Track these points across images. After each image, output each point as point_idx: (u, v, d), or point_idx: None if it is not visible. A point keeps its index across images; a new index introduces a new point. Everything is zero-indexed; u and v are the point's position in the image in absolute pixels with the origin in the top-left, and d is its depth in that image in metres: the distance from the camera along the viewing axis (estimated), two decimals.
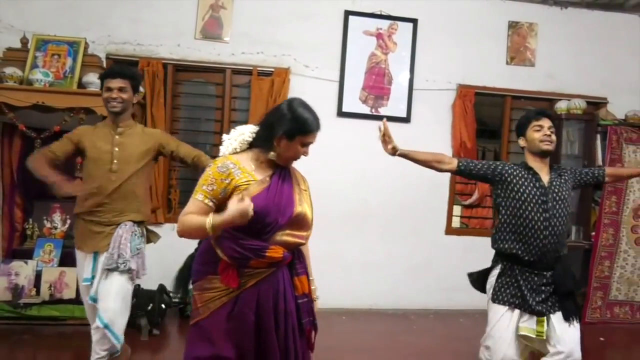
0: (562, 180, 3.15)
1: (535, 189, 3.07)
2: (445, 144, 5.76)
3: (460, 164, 3.20)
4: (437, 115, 5.78)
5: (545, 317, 3.00)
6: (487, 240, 6.30)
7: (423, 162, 3.23)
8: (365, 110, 5.66)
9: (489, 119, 6.31)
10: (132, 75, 3.29)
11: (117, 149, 3.19)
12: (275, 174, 2.32)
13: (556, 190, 3.09)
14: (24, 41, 4.66)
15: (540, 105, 6.07)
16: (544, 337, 2.99)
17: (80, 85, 4.50)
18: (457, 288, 5.73)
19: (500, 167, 3.18)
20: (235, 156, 2.32)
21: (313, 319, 2.39)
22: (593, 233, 5.77)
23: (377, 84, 5.68)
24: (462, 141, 5.74)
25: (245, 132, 2.36)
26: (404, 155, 3.17)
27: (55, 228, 4.69)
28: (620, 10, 6.13)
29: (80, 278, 3.32)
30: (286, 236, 2.28)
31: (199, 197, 2.22)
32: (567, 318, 3.00)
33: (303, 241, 2.39)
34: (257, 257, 2.20)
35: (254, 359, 2.26)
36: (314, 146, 4.67)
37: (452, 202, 5.90)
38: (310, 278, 2.46)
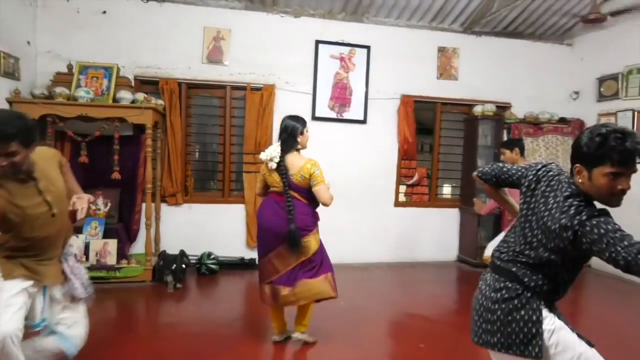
0: None
1: None
2: (392, 140, 5.83)
3: None
4: (386, 118, 5.81)
5: None
6: (425, 210, 6.47)
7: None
8: (333, 115, 5.67)
9: (425, 120, 6.36)
10: (12, 134, 1.91)
11: (44, 197, 2.13)
12: None
13: None
14: (70, 67, 4.57)
15: (461, 109, 6.18)
16: None
17: (115, 100, 4.43)
18: (404, 246, 5.89)
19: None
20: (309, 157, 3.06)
21: None
22: None
23: (341, 95, 5.70)
24: (405, 137, 5.79)
25: (275, 146, 3.04)
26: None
27: (99, 210, 4.64)
28: (520, 37, 6.22)
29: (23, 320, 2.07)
30: None
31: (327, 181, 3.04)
32: None
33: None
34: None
35: None
36: None
37: (398, 182, 5.96)
38: None
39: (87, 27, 4.91)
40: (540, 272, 1.67)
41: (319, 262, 3.03)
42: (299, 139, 3.03)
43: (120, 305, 4.06)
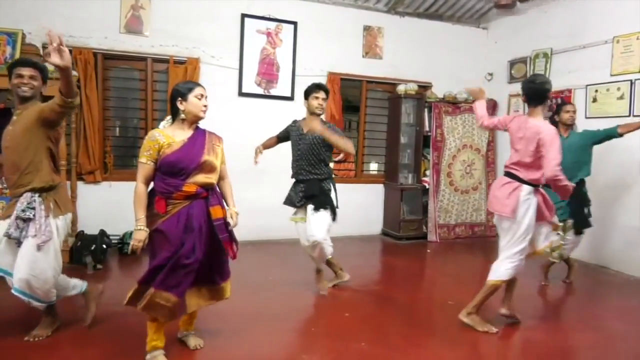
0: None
1: (296, 135, 3.76)
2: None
3: (278, 136, 4.04)
4: None
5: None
6: (352, 186, 6.63)
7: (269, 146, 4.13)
8: (260, 91, 5.63)
9: (351, 97, 6.49)
10: (41, 67, 2.76)
11: (11, 127, 2.66)
12: (191, 136, 2.51)
13: (309, 137, 3.66)
14: None
15: (385, 87, 6.36)
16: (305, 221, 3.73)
17: None
18: None
19: (287, 128, 3.91)
20: (161, 128, 2.53)
21: (229, 234, 2.56)
22: (424, 178, 6.22)
23: (268, 71, 5.65)
24: (332, 114, 5.88)
25: (168, 118, 2.59)
26: (264, 148, 4.07)
27: (6, 188, 4.30)
28: (440, 19, 6.49)
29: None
30: (199, 177, 2.46)
31: (143, 160, 2.44)
32: (316, 209, 3.65)
33: (213, 181, 2.53)
34: (176, 190, 2.42)
35: (178, 255, 2.37)
36: (221, 116, 4.52)
37: None
38: (233, 208, 2.69)
39: None
40: None
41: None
42: (181, 106, 2.48)
43: None
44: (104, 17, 4.90)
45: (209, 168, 2.49)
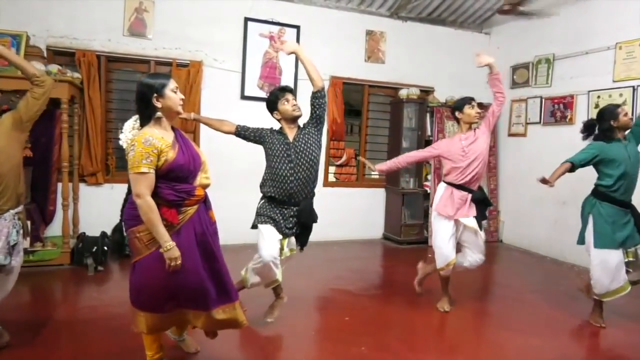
0: (310, 136, 3.05)
1: (281, 146, 3.02)
2: None
3: (238, 128, 3.14)
4: None
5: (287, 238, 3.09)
6: (353, 190, 6.64)
7: (209, 125, 3.21)
8: (262, 94, 5.61)
9: (353, 101, 6.51)
10: None
11: None
12: (175, 138, 2.25)
13: (300, 146, 3.00)
14: None
15: (387, 92, 6.37)
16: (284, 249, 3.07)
17: None
18: (332, 225, 6.01)
19: (263, 132, 3.13)
20: (146, 130, 2.17)
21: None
22: (425, 182, 6.22)
23: (270, 75, 5.67)
24: (334, 118, 5.89)
25: (130, 123, 2.26)
26: (197, 120, 3.28)
27: None
28: (442, 24, 6.51)
29: None
30: (202, 179, 2.30)
31: (144, 170, 2.07)
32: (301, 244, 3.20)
33: (210, 181, 2.37)
34: (189, 197, 2.21)
35: (199, 274, 2.22)
36: None
37: (327, 162, 6.07)
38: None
39: None
40: None
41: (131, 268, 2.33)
42: (158, 104, 2.19)
43: (36, 289, 3.84)
44: (107, 19, 4.93)
45: (204, 167, 2.34)
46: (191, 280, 2.22)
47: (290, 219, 3.05)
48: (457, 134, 3.68)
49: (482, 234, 3.57)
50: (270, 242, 2.96)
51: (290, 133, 3.08)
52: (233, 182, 5.28)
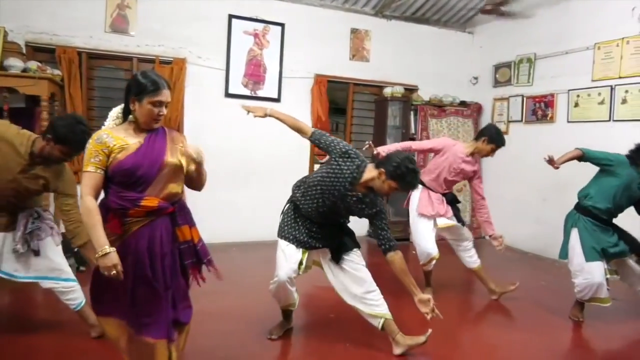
0: None
1: (342, 186, 2.76)
2: (306, 118, 5.88)
3: (314, 134, 2.78)
4: (300, 96, 5.87)
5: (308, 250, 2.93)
6: None
7: (287, 124, 2.85)
8: (247, 92, 5.62)
9: (338, 99, 6.52)
10: None
11: None
12: (148, 137, 2.01)
13: (351, 199, 2.84)
14: None
15: (372, 90, 6.40)
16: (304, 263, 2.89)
17: (2, 68, 4.02)
18: None
19: (333, 149, 2.74)
20: (109, 129, 2.02)
21: (198, 260, 2.13)
22: None
23: (255, 72, 5.65)
24: (319, 116, 5.90)
25: (116, 112, 2.10)
26: (272, 115, 2.86)
27: None
28: (426, 23, 6.56)
29: None
30: (170, 187, 2.01)
31: (90, 169, 1.92)
32: (336, 259, 2.99)
33: (179, 191, 2.07)
34: (133, 206, 1.93)
35: (131, 293, 1.99)
36: (207, 118, 4.47)
37: (312, 161, 6.08)
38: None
39: None
40: None
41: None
42: (132, 106, 2.01)
43: (16, 290, 3.77)
44: (89, 15, 4.86)
45: (172, 174, 2.01)
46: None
47: (315, 235, 2.93)
48: (461, 148, 3.86)
49: (462, 226, 3.97)
50: (289, 261, 2.87)
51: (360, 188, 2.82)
52: (221, 181, 5.26)
